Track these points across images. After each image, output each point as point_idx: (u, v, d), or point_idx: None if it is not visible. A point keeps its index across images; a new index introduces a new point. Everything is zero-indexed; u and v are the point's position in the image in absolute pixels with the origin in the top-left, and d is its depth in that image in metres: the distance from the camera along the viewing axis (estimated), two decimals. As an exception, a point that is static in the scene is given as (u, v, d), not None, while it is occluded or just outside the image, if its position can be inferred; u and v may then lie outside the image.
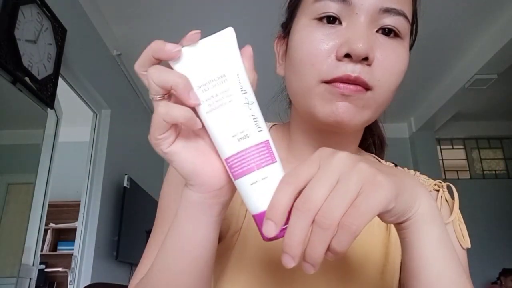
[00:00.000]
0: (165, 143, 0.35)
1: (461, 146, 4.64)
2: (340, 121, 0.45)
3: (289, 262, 0.30)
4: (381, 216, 0.34)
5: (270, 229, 0.31)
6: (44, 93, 1.88)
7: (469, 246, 0.52)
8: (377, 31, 0.46)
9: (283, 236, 0.31)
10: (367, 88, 0.45)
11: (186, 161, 0.35)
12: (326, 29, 0.46)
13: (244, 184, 0.34)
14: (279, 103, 0.63)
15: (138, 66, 0.34)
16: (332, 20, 0.46)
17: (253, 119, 0.35)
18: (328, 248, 0.30)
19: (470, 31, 2.84)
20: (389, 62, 0.46)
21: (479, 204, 4.04)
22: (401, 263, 0.53)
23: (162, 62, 0.34)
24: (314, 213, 0.30)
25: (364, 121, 0.47)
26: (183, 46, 0.34)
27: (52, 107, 1.99)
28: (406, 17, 0.46)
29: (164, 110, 0.33)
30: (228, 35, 0.35)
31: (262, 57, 0.59)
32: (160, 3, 2.52)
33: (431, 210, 0.36)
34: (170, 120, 0.33)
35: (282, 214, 0.31)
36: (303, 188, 0.31)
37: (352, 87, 0.44)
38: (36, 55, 1.80)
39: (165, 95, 0.34)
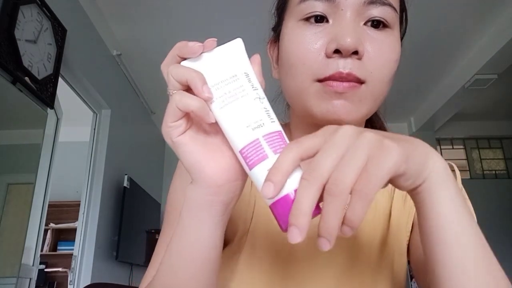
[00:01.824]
0: (176, 132, 0.36)
1: (461, 146, 4.65)
2: (337, 118, 0.46)
3: (296, 236, 0.29)
4: (395, 181, 0.33)
5: (268, 190, 0.30)
6: (44, 93, 1.88)
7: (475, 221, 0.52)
8: (364, 24, 0.46)
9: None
10: (360, 82, 0.45)
11: (191, 153, 0.36)
12: (314, 28, 0.46)
13: (260, 171, 0.34)
14: (279, 105, 0.64)
15: (164, 65, 0.37)
16: (319, 19, 0.46)
17: (265, 111, 0.36)
18: (343, 222, 0.30)
19: (470, 31, 2.84)
20: (380, 53, 0.46)
21: (479, 204, 4.02)
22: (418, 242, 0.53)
23: None
24: (322, 181, 0.29)
25: (363, 114, 0.47)
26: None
27: (52, 107, 1.99)
28: (392, 6, 0.46)
29: (178, 97, 0.35)
30: (237, 44, 0.39)
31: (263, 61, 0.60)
32: (160, 4, 2.52)
33: (445, 170, 0.35)
34: (182, 107, 0.34)
35: (282, 176, 0.31)
36: (307, 157, 0.31)
37: (345, 84, 0.44)
38: (36, 55, 1.80)
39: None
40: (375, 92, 0.47)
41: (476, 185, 4.28)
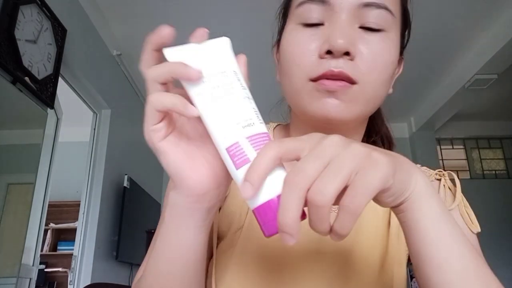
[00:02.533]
0: (157, 136, 0.35)
1: (461, 146, 4.65)
2: (328, 116, 0.46)
3: (289, 241, 0.29)
4: (379, 196, 0.33)
5: (247, 190, 0.30)
6: (44, 93, 1.88)
7: (479, 230, 0.52)
8: (360, 27, 0.47)
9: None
10: (352, 82, 0.46)
11: (173, 162, 0.35)
12: (310, 31, 0.48)
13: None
14: (284, 106, 0.65)
15: (144, 66, 0.36)
16: (316, 22, 0.48)
17: (255, 111, 0.35)
18: (331, 231, 0.30)
19: (470, 31, 2.84)
20: (374, 55, 0.46)
21: (479, 204, 4.02)
22: (408, 255, 0.53)
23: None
24: (305, 186, 0.28)
25: (354, 115, 0.48)
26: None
27: (52, 107, 1.99)
28: (387, 9, 0.47)
29: (154, 98, 0.33)
30: (225, 42, 0.37)
31: (270, 61, 0.60)
32: (160, 3, 2.51)
33: (427, 187, 0.35)
34: (160, 107, 0.33)
35: (259, 175, 0.30)
36: (286, 158, 0.31)
37: (337, 82, 0.45)
38: (36, 55, 1.80)
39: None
40: (368, 93, 0.47)
41: (476, 185, 4.28)
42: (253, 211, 0.32)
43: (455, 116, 3.91)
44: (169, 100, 0.33)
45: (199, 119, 0.35)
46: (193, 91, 0.34)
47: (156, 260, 0.41)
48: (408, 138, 4.36)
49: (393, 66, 0.49)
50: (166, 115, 0.35)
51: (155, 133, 0.35)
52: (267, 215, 0.31)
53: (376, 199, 0.34)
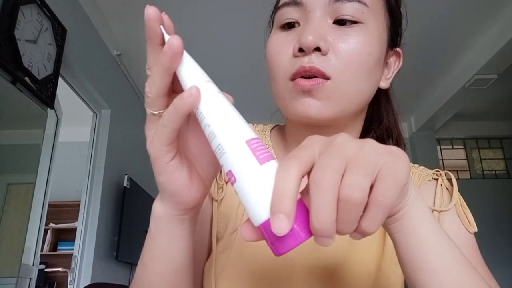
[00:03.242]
0: (166, 158, 0.32)
1: (461, 146, 4.64)
2: (307, 116, 0.47)
3: (327, 241, 0.27)
4: None
5: (282, 225, 0.25)
6: (44, 93, 1.88)
7: (476, 230, 0.52)
8: (334, 22, 0.48)
9: (298, 243, 0.27)
10: (324, 77, 0.46)
11: (173, 182, 0.34)
12: (286, 33, 0.50)
13: (270, 168, 0.29)
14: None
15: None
16: (293, 24, 0.50)
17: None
18: (357, 230, 0.28)
19: (470, 31, 2.84)
20: (347, 49, 0.46)
21: (479, 204, 4.04)
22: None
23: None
24: (337, 183, 0.26)
25: (334, 112, 0.47)
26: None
27: (52, 107, 1.99)
28: (359, 1, 0.47)
29: (169, 110, 0.31)
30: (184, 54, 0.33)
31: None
32: (160, 3, 2.51)
33: (418, 194, 0.35)
34: (181, 110, 0.30)
35: (291, 202, 0.26)
36: (306, 173, 0.28)
37: (311, 81, 0.46)
38: (36, 55, 1.80)
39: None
40: (344, 88, 0.47)
41: (476, 185, 4.28)
42: (259, 227, 0.28)
43: (455, 116, 3.91)
44: (186, 97, 0.30)
45: (199, 127, 0.32)
46: (210, 90, 0.32)
47: (145, 265, 0.41)
48: (408, 138, 4.35)
49: (373, 57, 0.48)
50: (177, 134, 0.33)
51: (165, 154, 0.32)
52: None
53: None
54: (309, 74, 0.46)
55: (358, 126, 0.56)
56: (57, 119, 2.21)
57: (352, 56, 0.46)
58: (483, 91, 3.29)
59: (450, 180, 0.56)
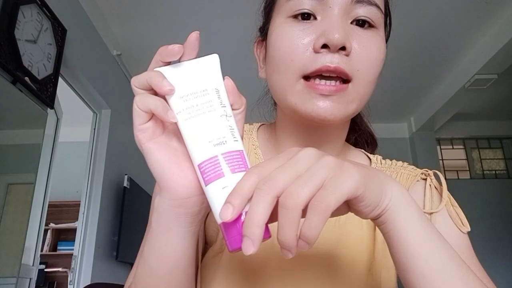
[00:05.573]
0: (144, 136, 0.36)
1: (461, 146, 4.64)
2: (323, 118, 0.46)
3: (249, 248, 0.29)
4: (356, 207, 0.33)
5: (227, 212, 0.30)
6: (44, 93, 1.88)
7: (469, 229, 0.51)
8: (351, 23, 0.47)
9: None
10: (347, 79, 0.45)
11: (157, 162, 0.36)
12: (302, 25, 0.47)
13: (215, 188, 0.34)
14: (264, 105, 0.64)
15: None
16: (306, 16, 0.47)
17: (230, 129, 0.36)
18: (300, 237, 0.29)
19: (470, 31, 2.84)
20: (367, 52, 0.46)
21: (479, 204, 4.03)
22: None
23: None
24: (276, 192, 0.29)
25: (349, 114, 0.48)
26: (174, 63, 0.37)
27: (52, 107, 1.99)
28: (378, 7, 0.47)
29: (138, 98, 0.35)
30: (213, 59, 0.39)
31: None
32: (160, 3, 2.51)
33: (405, 198, 0.36)
34: (142, 106, 0.35)
35: (242, 199, 0.30)
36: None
37: (330, 87, 0.45)
38: (36, 55, 1.80)
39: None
40: (361, 91, 0.47)
41: (476, 185, 4.28)
42: (220, 224, 0.33)
43: (455, 116, 3.91)
44: (152, 102, 0.35)
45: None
46: (174, 109, 0.36)
47: (145, 266, 0.41)
48: (408, 138, 4.35)
49: (383, 62, 0.49)
50: (154, 116, 0.36)
51: (141, 132, 0.36)
52: (233, 229, 0.32)
53: (354, 210, 0.34)
54: (329, 74, 0.45)
55: (347, 127, 0.57)
56: (57, 119, 2.20)
57: (371, 60, 0.46)
58: (483, 91, 3.29)
59: (442, 180, 0.55)
